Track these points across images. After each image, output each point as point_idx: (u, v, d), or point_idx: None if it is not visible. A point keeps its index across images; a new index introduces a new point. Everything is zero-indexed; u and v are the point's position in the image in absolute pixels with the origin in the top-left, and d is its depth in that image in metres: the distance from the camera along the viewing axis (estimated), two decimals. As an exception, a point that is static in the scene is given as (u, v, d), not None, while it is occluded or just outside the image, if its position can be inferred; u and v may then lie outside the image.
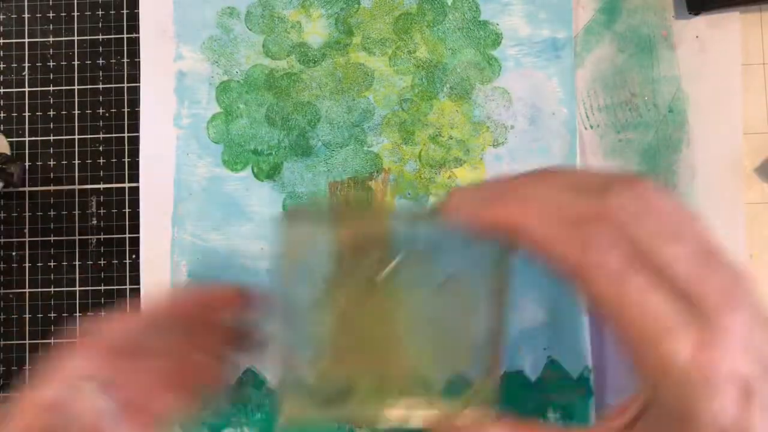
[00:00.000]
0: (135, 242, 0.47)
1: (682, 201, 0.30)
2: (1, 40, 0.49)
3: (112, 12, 0.48)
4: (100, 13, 0.49)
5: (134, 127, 0.48)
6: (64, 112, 0.48)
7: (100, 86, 0.48)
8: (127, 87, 0.48)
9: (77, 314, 0.47)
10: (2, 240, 0.48)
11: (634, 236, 0.27)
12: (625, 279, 0.27)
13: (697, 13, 0.45)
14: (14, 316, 0.48)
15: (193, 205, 0.46)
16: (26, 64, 0.49)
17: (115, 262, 0.48)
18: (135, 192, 0.47)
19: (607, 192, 0.28)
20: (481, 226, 0.29)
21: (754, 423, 0.27)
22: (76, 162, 0.48)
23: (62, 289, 0.48)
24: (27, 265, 0.48)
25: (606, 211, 0.28)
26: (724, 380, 0.26)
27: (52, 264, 0.48)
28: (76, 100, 0.48)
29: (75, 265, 0.48)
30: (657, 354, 0.27)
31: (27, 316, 0.48)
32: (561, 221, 0.27)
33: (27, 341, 0.47)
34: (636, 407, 0.28)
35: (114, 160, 0.48)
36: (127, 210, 0.48)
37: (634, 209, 0.28)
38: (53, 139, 0.48)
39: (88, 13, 0.49)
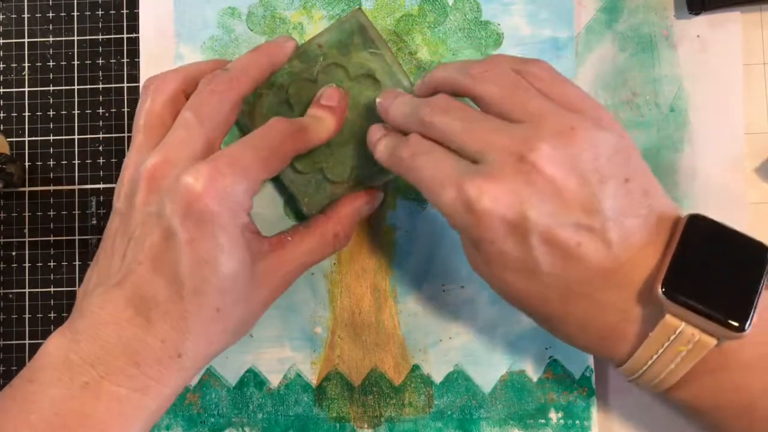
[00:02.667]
0: (135, 242, 0.47)
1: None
2: (1, 40, 0.49)
3: (112, 12, 0.48)
4: (100, 13, 0.48)
5: (134, 127, 0.48)
6: (64, 112, 0.48)
7: (100, 86, 0.48)
8: (127, 87, 0.48)
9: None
10: (2, 240, 0.48)
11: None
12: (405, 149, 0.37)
13: (697, 14, 0.45)
14: (14, 316, 0.48)
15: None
16: (26, 64, 0.49)
17: (116, 262, 0.47)
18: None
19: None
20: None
21: (533, 255, 0.33)
22: (76, 162, 0.48)
23: (62, 289, 0.48)
24: (27, 265, 0.48)
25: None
26: (488, 216, 0.33)
27: (52, 264, 0.48)
28: (76, 100, 0.48)
29: (75, 265, 0.48)
30: (436, 203, 0.35)
31: (27, 316, 0.48)
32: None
33: (27, 341, 0.47)
34: None
35: (114, 160, 0.48)
36: (127, 210, 0.47)
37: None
38: (53, 139, 0.48)
39: (88, 13, 0.48)
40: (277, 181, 0.45)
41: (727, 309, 0.32)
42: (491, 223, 0.33)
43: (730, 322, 0.31)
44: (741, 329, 0.31)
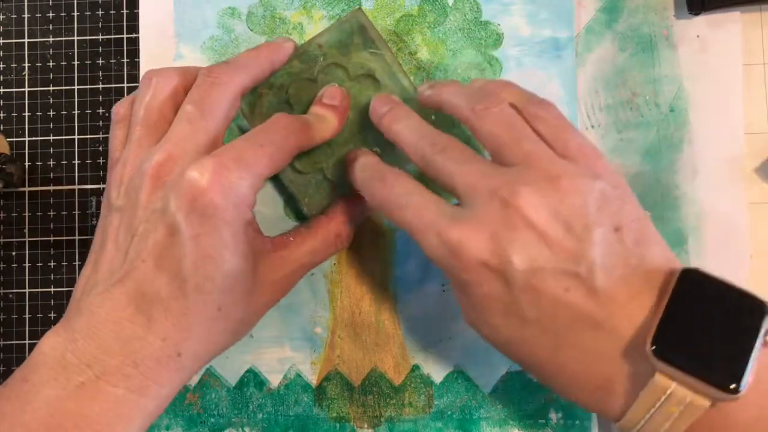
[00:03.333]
0: (135, 242, 0.47)
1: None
2: (1, 40, 0.49)
3: (112, 12, 0.48)
4: (100, 13, 0.48)
5: (134, 127, 0.47)
6: (64, 112, 0.48)
7: (100, 86, 0.48)
8: (127, 87, 0.48)
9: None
10: (2, 240, 0.48)
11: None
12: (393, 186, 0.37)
13: (697, 14, 0.45)
14: (14, 317, 0.48)
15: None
16: (26, 64, 0.49)
17: (116, 262, 0.47)
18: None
19: None
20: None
21: (519, 301, 0.33)
22: (76, 162, 0.48)
23: (62, 289, 0.48)
24: (27, 265, 0.48)
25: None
26: (473, 262, 0.33)
27: (52, 264, 0.48)
28: (76, 100, 0.48)
29: (75, 265, 0.48)
30: (420, 246, 0.35)
31: (27, 316, 0.48)
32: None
33: (27, 341, 0.47)
34: None
35: (114, 160, 0.48)
36: (127, 210, 0.47)
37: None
38: (53, 139, 0.48)
39: (88, 13, 0.49)
40: (277, 180, 0.45)
41: (720, 370, 0.30)
42: (476, 268, 0.33)
43: (723, 383, 0.30)
44: (735, 391, 0.30)
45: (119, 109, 0.40)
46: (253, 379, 0.46)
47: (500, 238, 0.33)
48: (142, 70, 0.47)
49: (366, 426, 0.45)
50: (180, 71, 0.40)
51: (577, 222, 0.32)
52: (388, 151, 0.43)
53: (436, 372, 0.46)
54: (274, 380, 0.46)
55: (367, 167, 0.40)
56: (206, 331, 0.35)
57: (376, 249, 0.46)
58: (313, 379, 0.46)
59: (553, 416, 0.45)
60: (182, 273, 0.34)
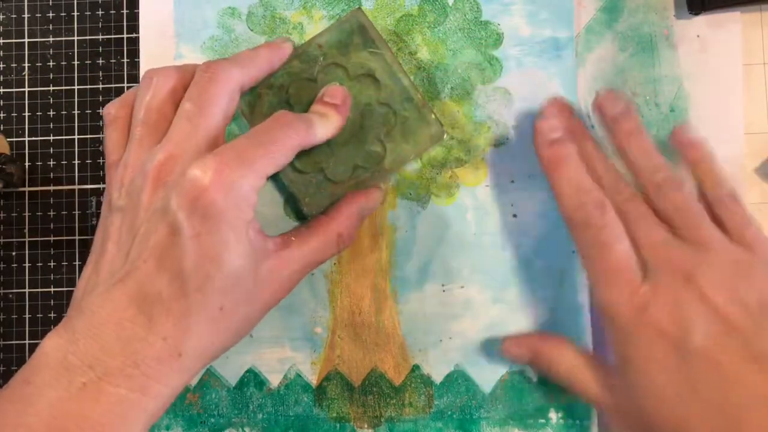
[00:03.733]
0: (135, 242, 0.47)
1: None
2: (1, 40, 0.49)
3: (112, 12, 0.48)
4: (100, 13, 0.48)
5: (134, 127, 0.47)
6: (64, 112, 0.48)
7: (100, 86, 0.48)
8: (127, 87, 0.48)
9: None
10: (2, 240, 0.48)
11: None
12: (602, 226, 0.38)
13: (697, 14, 0.45)
14: (14, 317, 0.48)
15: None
16: (26, 64, 0.49)
17: (116, 262, 0.47)
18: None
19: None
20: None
21: (692, 374, 0.34)
22: (76, 162, 0.48)
23: (62, 289, 0.48)
24: (27, 265, 0.48)
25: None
26: (652, 328, 0.35)
27: (52, 264, 0.48)
28: (76, 100, 0.48)
29: (75, 265, 0.48)
30: (597, 290, 0.37)
31: (27, 316, 0.48)
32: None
33: (27, 341, 0.47)
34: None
35: (114, 160, 0.48)
36: (127, 210, 0.47)
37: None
38: (53, 139, 0.48)
39: (88, 13, 0.49)
40: (277, 180, 0.45)
41: None
42: (653, 333, 0.35)
43: None
44: None
45: (110, 110, 0.40)
46: (253, 379, 0.46)
47: (684, 310, 0.34)
48: (142, 69, 0.47)
49: (366, 426, 0.45)
50: (178, 69, 0.40)
51: (755, 306, 0.34)
52: (390, 149, 0.43)
53: (436, 372, 0.46)
54: (274, 380, 0.46)
55: (583, 190, 0.40)
56: (208, 331, 0.35)
57: (377, 249, 0.46)
58: (313, 379, 0.46)
59: (553, 416, 0.45)
60: (183, 273, 0.34)
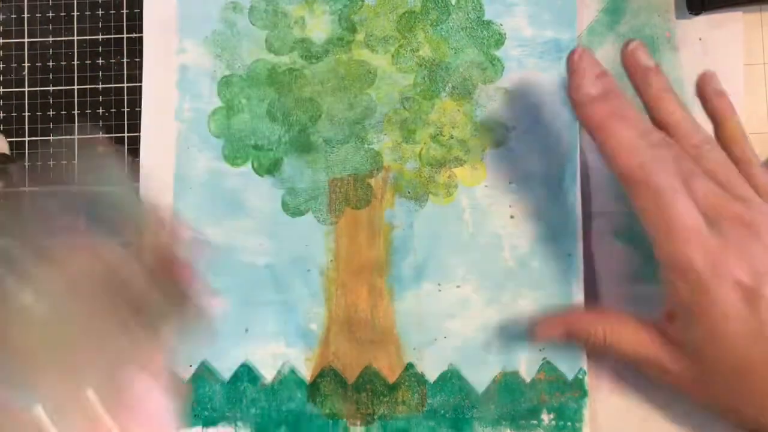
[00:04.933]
0: (136, 238, 0.48)
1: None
2: (1, 40, 0.49)
3: (112, 12, 0.49)
4: (100, 13, 0.49)
5: (134, 127, 0.48)
6: (64, 112, 0.49)
7: (100, 86, 0.49)
8: (127, 87, 0.48)
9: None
10: (2, 240, 0.49)
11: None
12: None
13: (697, 14, 0.44)
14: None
15: (192, 200, 0.47)
16: (26, 64, 0.49)
17: (116, 257, 0.48)
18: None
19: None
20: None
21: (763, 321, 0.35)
22: (76, 162, 0.49)
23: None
24: (27, 264, 0.49)
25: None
26: (729, 282, 0.35)
27: (52, 262, 0.49)
28: (76, 100, 0.49)
29: (75, 263, 0.48)
30: (667, 246, 0.36)
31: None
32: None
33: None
34: (670, 302, 0.37)
35: (114, 161, 0.48)
36: (127, 207, 0.48)
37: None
38: (53, 139, 0.49)
39: (88, 13, 0.49)
40: (276, 178, 0.46)
41: None
42: (729, 286, 0.35)
43: None
44: None
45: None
46: (247, 373, 0.47)
47: (755, 260, 0.35)
48: (145, 62, 0.48)
49: (359, 423, 0.46)
50: None
51: None
52: None
53: (430, 371, 0.46)
54: (268, 375, 0.46)
55: (640, 147, 0.37)
56: None
57: (373, 247, 0.47)
58: (307, 375, 0.46)
59: (545, 417, 0.45)
60: None
